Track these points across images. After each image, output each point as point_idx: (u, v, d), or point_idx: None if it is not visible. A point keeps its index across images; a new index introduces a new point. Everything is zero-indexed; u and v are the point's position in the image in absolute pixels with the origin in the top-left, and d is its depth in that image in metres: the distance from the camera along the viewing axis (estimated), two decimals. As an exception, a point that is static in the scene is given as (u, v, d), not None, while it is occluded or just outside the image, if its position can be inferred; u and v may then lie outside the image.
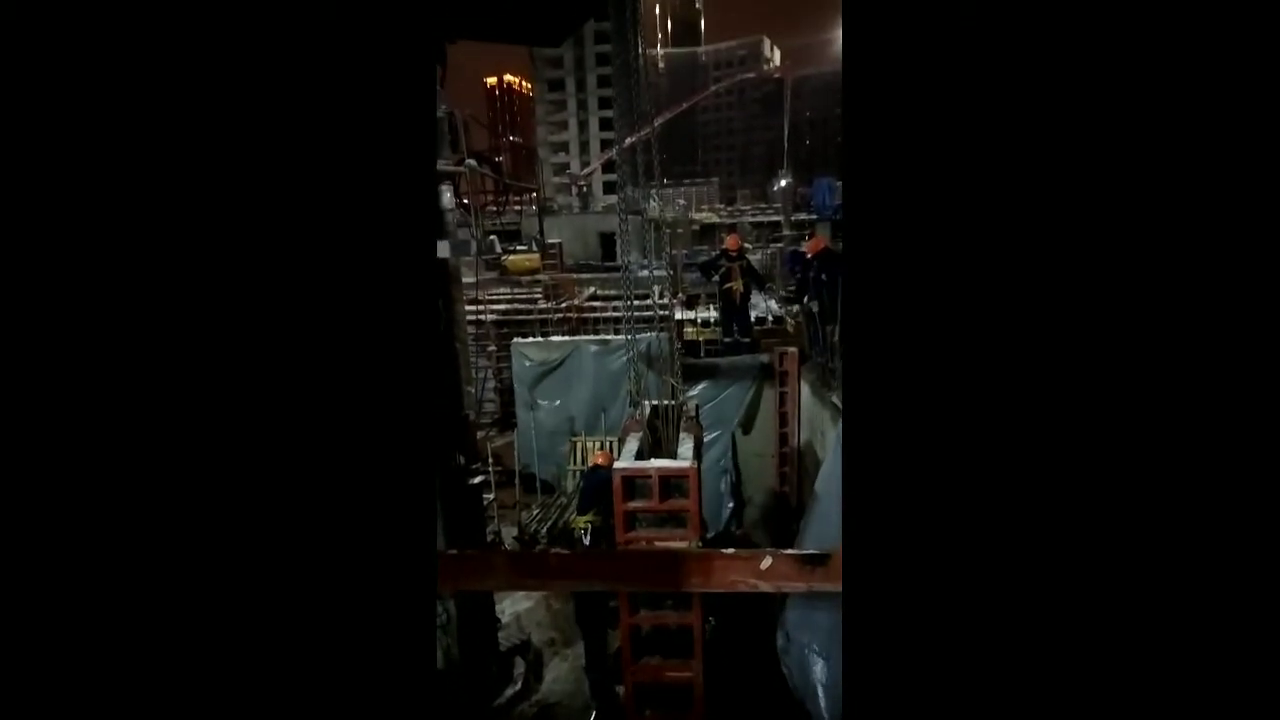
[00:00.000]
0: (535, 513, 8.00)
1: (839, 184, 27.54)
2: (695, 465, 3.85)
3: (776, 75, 59.54)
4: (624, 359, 6.01)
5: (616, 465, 3.94)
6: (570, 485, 8.24)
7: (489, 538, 6.00)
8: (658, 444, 4.52)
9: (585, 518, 5.05)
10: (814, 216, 25.38)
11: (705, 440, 6.43)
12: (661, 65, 61.07)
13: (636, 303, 4.87)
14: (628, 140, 5.54)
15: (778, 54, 68.60)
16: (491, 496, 6.93)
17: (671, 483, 3.80)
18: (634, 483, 3.83)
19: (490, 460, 7.50)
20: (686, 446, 4.13)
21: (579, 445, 8.44)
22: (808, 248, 8.18)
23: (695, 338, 9.34)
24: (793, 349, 7.80)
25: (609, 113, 43.51)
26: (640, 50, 5.15)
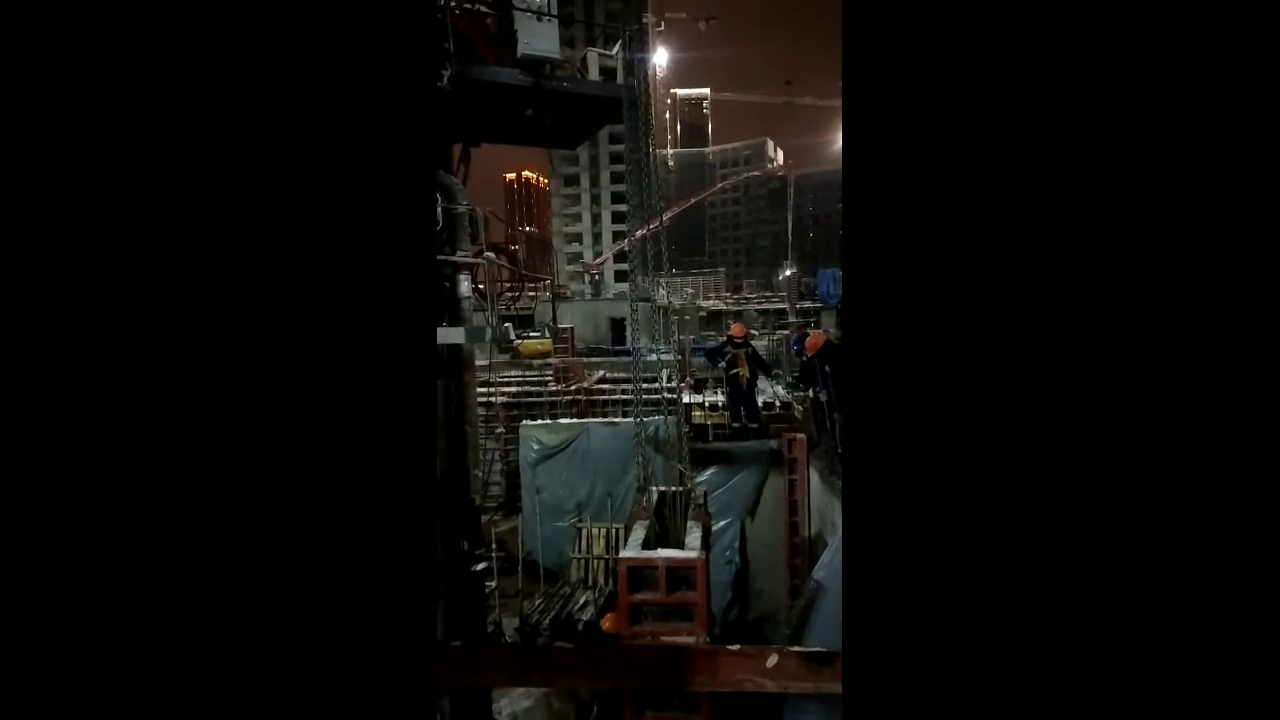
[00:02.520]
0: (538, 602, 7.72)
1: (842, 274, 28.11)
2: (703, 556, 3.78)
3: (780, 173, 62.67)
4: (632, 442, 6.01)
5: (622, 555, 3.87)
6: (574, 574, 7.99)
7: (488, 628, 5.78)
8: (665, 532, 4.44)
9: None
10: (818, 305, 25.93)
11: (714, 529, 6.29)
12: (671, 164, 64.68)
13: (645, 386, 4.93)
14: (639, 232, 5.84)
15: (780, 154, 72.67)
16: (493, 584, 6.71)
17: (679, 574, 3.71)
18: (640, 573, 3.75)
19: (493, 546, 7.34)
20: (694, 535, 4.06)
21: (584, 532, 8.26)
22: (808, 345, 8.29)
23: (703, 421, 9.34)
24: (801, 435, 7.76)
25: (621, 206, 45.59)
26: (651, 150, 5.53)
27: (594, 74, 5.41)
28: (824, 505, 7.20)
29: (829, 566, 4.73)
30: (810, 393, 8.26)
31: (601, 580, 7.62)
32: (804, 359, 8.44)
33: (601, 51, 5.49)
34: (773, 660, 3.21)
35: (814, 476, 7.54)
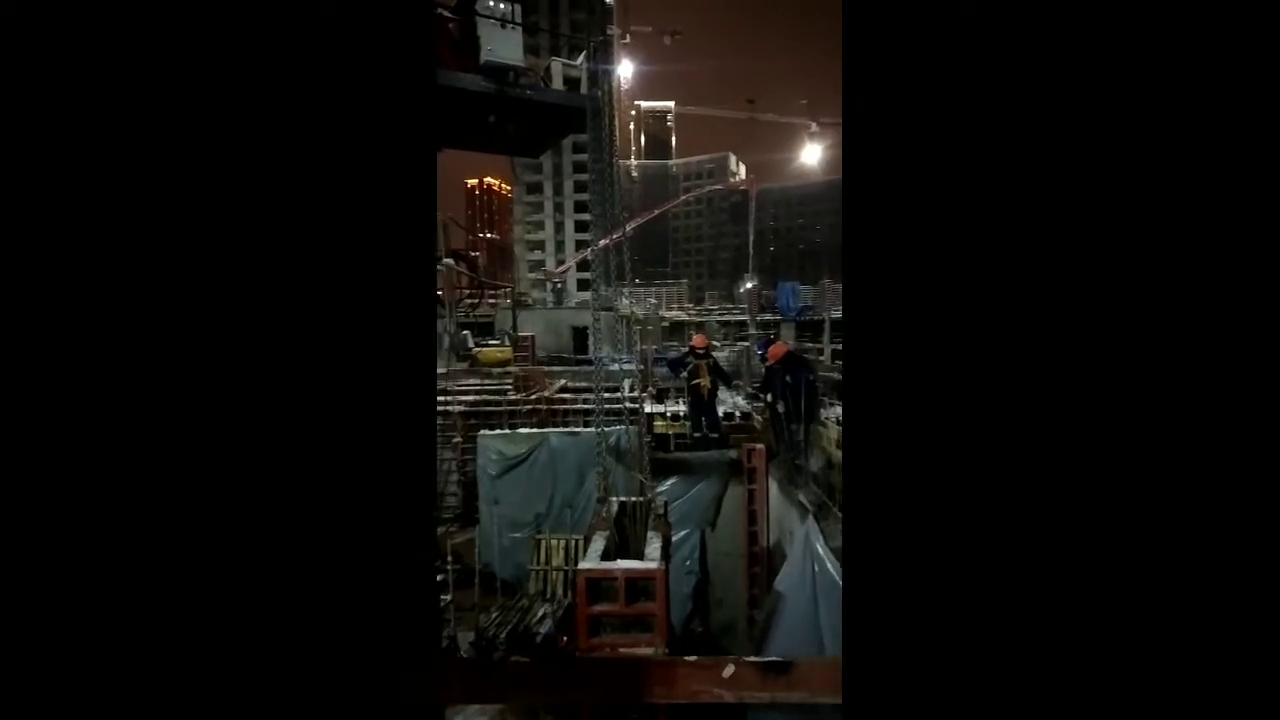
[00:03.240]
0: (494, 615, 7.56)
1: (801, 287, 28.87)
2: (663, 566, 3.77)
3: (742, 187, 63.68)
4: (593, 452, 5.96)
5: (581, 566, 3.83)
6: (533, 587, 7.86)
7: (443, 643, 5.62)
8: (625, 543, 4.42)
9: None
10: (778, 317, 26.39)
11: (674, 539, 6.29)
12: (635, 174, 65.12)
13: (607, 395, 4.92)
14: (602, 241, 5.84)
15: (743, 168, 73.97)
16: (448, 597, 6.55)
17: (638, 584, 3.69)
18: (599, 585, 3.71)
19: (449, 558, 7.17)
20: (654, 546, 4.05)
21: (543, 543, 8.15)
22: (770, 353, 8.46)
23: (665, 431, 9.36)
24: (760, 445, 7.86)
25: (585, 215, 45.62)
26: (615, 160, 5.56)
27: (558, 83, 5.41)
28: (782, 515, 7.29)
29: (789, 577, 4.78)
30: (768, 400, 8.39)
31: (560, 592, 7.52)
32: (766, 365, 8.60)
33: (566, 61, 5.50)
34: (729, 671, 3.22)
35: (773, 486, 7.63)
